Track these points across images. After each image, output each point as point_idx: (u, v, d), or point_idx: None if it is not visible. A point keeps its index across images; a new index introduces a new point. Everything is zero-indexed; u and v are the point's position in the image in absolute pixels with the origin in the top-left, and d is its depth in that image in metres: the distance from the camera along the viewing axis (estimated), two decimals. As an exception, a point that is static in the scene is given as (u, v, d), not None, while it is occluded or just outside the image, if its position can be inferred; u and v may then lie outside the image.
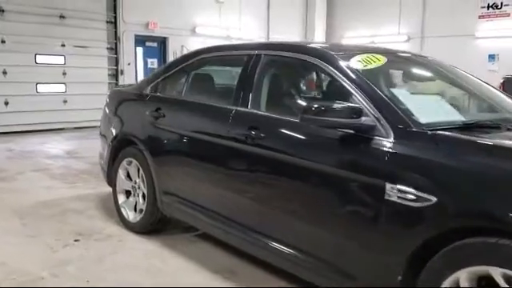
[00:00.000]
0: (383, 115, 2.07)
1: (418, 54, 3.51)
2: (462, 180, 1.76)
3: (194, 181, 3.08)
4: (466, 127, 2.09)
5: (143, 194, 3.45)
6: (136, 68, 10.81)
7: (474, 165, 1.77)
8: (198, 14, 11.48)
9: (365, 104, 2.15)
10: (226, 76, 3.72)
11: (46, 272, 2.82)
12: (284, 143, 2.48)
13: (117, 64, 10.29)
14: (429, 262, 1.79)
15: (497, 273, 1.62)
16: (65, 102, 9.52)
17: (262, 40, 12.24)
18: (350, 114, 2.06)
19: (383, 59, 2.57)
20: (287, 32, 12.96)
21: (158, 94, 3.51)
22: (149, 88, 3.59)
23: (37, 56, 9.12)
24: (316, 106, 2.11)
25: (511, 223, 1.58)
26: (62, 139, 8.30)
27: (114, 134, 3.70)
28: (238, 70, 2.97)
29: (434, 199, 1.76)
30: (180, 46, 11.12)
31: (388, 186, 1.90)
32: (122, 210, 3.63)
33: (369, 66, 2.44)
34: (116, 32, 10.16)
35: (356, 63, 2.43)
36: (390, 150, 1.95)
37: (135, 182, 3.54)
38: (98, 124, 4.23)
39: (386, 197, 1.90)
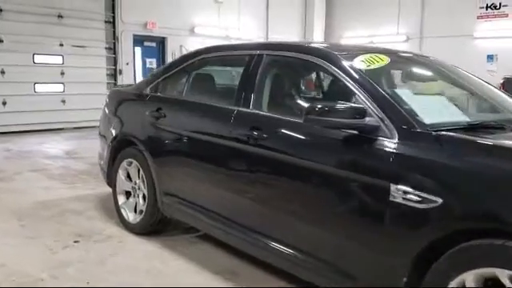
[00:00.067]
0: (387, 116, 2.05)
1: (419, 54, 3.50)
2: (468, 181, 1.74)
3: (195, 181, 3.06)
4: (470, 128, 2.08)
5: (143, 194, 3.43)
6: (134, 68, 10.79)
7: (480, 166, 1.76)
8: (197, 14, 11.45)
9: (369, 104, 2.13)
10: (227, 76, 3.70)
11: (46, 273, 2.79)
12: (287, 144, 2.46)
13: (115, 64, 10.26)
14: (434, 264, 1.78)
15: (503, 275, 1.60)
16: (63, 101, 9.48)
17: (261, 40, 12.23)
18: (354, 114, 2.05)
19: (386, 59, 2.56)
20: (286, 32, 12.94)
21: (159, 94, 3.49)
22: (149, 88, 3.57)
23: (35, 56, 9.07)
24: (320, 106, 2.09)
25: (518, 225, 1.56)
26: (60, 139, 8.26)
27: (114, 134, 3.67)
28: (240, 70, 2.95)
29: (440, 201, 1.75)
30: (179, 46, 11.10)
31: (393, 187, 1.88)
32: (122, 210, 3.61)
33: (372, 66, 2.43)
34: (114, 32, 10.13)
35: (359, 63, 2.42)
36: (395, 151, 1.94)
37: (135, 183, 3.52)
38: (97, 124, 4.21)
39: (391, 198, 1.89)
